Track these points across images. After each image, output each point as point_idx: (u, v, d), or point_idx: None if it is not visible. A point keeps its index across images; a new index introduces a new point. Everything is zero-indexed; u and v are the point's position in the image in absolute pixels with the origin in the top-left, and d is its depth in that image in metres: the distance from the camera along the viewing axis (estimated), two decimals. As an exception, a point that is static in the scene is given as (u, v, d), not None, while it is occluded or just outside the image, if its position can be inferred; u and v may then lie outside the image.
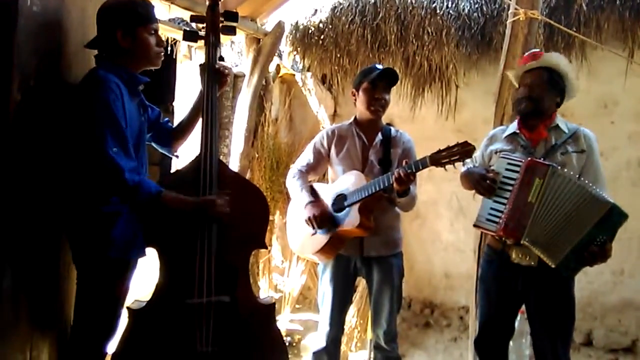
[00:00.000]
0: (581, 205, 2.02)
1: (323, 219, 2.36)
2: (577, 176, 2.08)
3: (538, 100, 2.19)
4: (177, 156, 2.23)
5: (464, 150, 2.08)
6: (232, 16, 2.10)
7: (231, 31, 2.12)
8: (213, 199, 1.87)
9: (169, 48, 4.02)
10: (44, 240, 1.84)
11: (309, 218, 2.36)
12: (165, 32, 3.72)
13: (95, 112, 1.71)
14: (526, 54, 2.33)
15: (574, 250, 2.01)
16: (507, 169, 2.15)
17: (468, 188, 2.33)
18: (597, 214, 2.00)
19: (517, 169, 2.11)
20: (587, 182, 2.06)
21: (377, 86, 2.39)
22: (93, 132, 1.70)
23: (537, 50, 2.32)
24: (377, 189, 2.25)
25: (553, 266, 2.02)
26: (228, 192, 1.92)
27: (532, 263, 2.14)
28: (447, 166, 2.11)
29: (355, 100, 2.49)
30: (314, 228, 2.38)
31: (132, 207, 1.80)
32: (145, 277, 2.17)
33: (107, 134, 1.69)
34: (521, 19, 2.79)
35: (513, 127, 2.31)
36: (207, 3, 2.08)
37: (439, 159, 2.11)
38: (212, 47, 2.04)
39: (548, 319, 2.19)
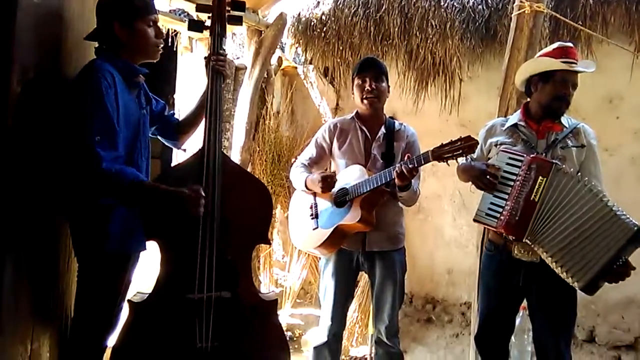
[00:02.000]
0: (601, 222, 1.96)
1: (325, 178, 2.34)
2: (581, 176, 2.05)
3: (569, 104, 2.17)
4: (184, 150, 2.20)
5: (466, 145, 2.06)
6: (239, 5, 2.07)
7: (237, 21, 2.09)
8: (181, 191, 1.77)
9: (170, 40, 3.98)
10: (45, 233, 1.83)
11: (320, 179, 2.34)
12: (166, 24, 3.69)
13: (84, 99, 1.68)
14: (556, 45, 2.23)
15: (603, 271, 1.95)
16: (508, 164, 2.12)
17: (465, 180, 2.30)
18: (623, 236, 1.94)
19: (519, 164, 2.08)
20: (598, 187, 2.02)
21: (365, 78, 2.38)
22: (79, 118, 1.67)
23: (569, 44, 2.22)
24: (379, 183, 2.23)
25: (579, 287, 1.97)
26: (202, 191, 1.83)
27: (534, 259, 2.12)
28: (449, 161, 2.09)
29: (354, 96, 2.49)
30: (317, 211, 2.36)
31: (118, 199, 1.75)
32: (149, 269, 2.16)
33: (92, 122, 1.66)
34: (527, 11, 2.76)
35: (514, 119, 2.28)
36: None
37: (441, 153, 2.09)
38: (218, 37, 2.01)
39: (550, 314, 2.17)
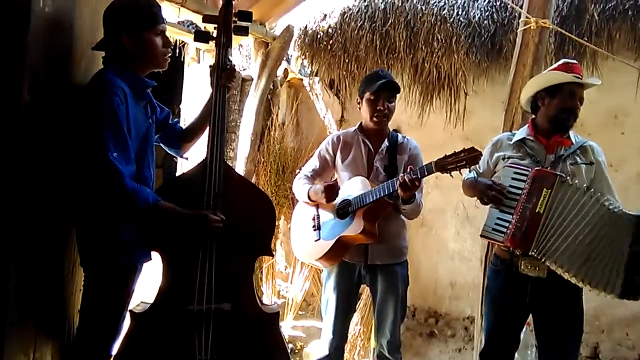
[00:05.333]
0: (607, 227, 1.96)
1: (329, 188, 2.34)
2: (586, 186, 2.05)
3: (577, 117, 2.17)
4: (186, 158, 2.21)
5: (470, 156, 2.06)
6: (246, 16, 2.07)
7: (244, 31, 2.09)
8: (206, 215, 1.84)
9: (177, 51, 4.02)
10: (50, 242, 1.83)
11: (323, 189, 2.34)
12: (174, 35, 3.72)
13: (98, 116, 1.69)
14: (561, 61, 2.26)
15: (630, 272, 1.94)
16: (513, 178, 2.12)
17: (471, 196, 2.31)
18: (627, 233, 1.94)
19: (524, 178, 2.08)
20: (598, 193, 2.02)
21: (379, 97, 2.37)
22: (95, 135, 1.69)
23: (573, 61, 2.25)
24: (382, 194, 2.23)
25: (617, 297, 1.96)
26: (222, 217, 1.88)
27: (542, 274, 2.11)
28: (453, 172, 2.09)
29: (360, 108, 2.48)
30: (319, 222, 2.37)
31: (131, 216, 1.78)
32: (153, 279, 2.16)
33: (108, 138, 1.67)
34: (532, 27, 2.77)
35: (521, 133, 2.28)
36: (221, 2, 2.05)
37: (444, 164, 2.09)
38: (223, 47, 2.02)
39: (556, 331, 2.15)
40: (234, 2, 2.05)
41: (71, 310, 1.95)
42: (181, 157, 2.21)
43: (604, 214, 1.97)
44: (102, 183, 1.70)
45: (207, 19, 2.13)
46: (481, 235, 2.20)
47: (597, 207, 1.98)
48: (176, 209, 1.82)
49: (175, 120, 2.16)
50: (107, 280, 1.80)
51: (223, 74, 1.99)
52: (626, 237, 1.95)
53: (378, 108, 2.38)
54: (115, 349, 1.86)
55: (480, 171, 2.33)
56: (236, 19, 2.05)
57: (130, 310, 1.88)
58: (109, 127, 1.68)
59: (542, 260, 2.03)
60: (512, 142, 2.27)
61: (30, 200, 1.72)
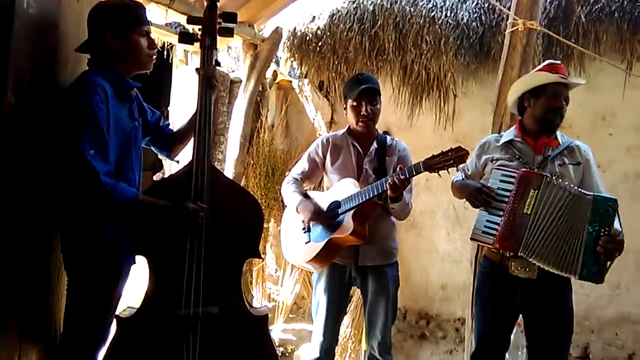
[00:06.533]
0: (572, 209, 2.02)
1: (318, 212, 2.35)
2: (572, 185, 2.06)
3: (563, 117, 2.18)
4: (177, 161, 2.20)
5: (457, 155, 2.07)
6: (231, 17, 2.06)
7: (229, 33, 2.08)
8: (182, 204, 1.80)
9: (165, 52, 3.99)
10: (35, 246, 1.81)
11: (312, 212, 2.35)
12: (162, 37, 3.69)
13: (75, 113, 1.67)
14: (545, 62, 2.27)
15: (585, 254, 1.98)
16: (502, 180, 2.14)
17: (460, 198, 2.32)
18: (586, 210, 2.00)
19: (512, 180, 2.10)
20: (580, 189, 2.05)
21: (362, 102, 2.38)
22: (70, 132, 1.66)
23: (557, 62, 2.27)
24: (371, 195, 2.23)
25: (578, 279, 2.00)
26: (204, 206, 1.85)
27: (532, 276, 2.11)
28: (441, 172, 2.10)
29: (346, 113, 2.48)
30: (310, 224, 2.36)
31: (111, 215, 1.75)
32: (140, 283, 2.14)
33: (84, 136, 1.65)
34: (520, 29, 2.79)
35: (508, 135, 2.29)
36: (205, 4, 2.04)
37: (432, 164, 2.10)
38: (208, 49, 2.00)
39: (546, 332, 2.16)
40: (218, 4, 2.03)
41: (57, 315, 1.92)
42: (171, 159, 2.20)
43: (572, 197, 2.02)
44: (78, 181, 1.68)
45: (191, 20, 2.11)
46: (471, 239, 2.21)
47: (570, 197, 2.02)
48: (157, 203, 1.79)
49: (166, 123, 2.14)
50: (92, 284, 1.77)
51: (208, 76, 1.97)
52: (586, 213, 2.00)
53: (362, 113, 2.38)
54: (101, 355, 1.83)
55: (469, 173, 2.34)
56: (221, 21, 2.04)
57: (117, 316, 1.85)
58: (85, 125, 1.66)
59: (532, 260, 2.04)
60: (499, 144, 2.28)
61: (14, 204, 1.69)
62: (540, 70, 2.26)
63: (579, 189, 2.05)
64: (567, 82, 2.19)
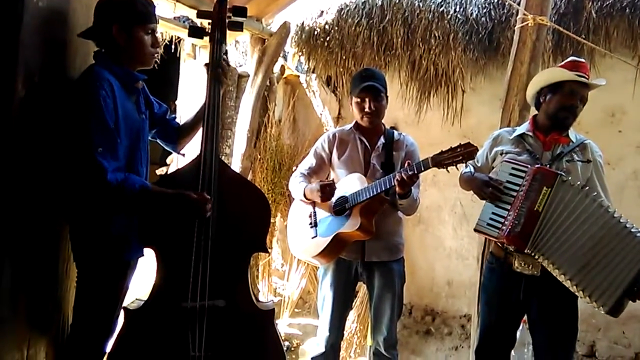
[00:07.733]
0: (617, 240, 1.94)
1: (332, 188, 2.34)
2: (588, 188, 2.03)
3: (577, 116, 2.15)
4: (183, 154, 2.20)
5: (466, 151, 2.06)
6: (241, 11, 2.05)
7: (238, 27, 2.07)
8: (189, 194, 1.80)
9: (173, 47, 4.00)
10: (44, 238, 1.82)
11: (319, 188, 2.33)
12: (170, 31, 3.70)
13: (83, 110, 1.68)
14: (569, 59, 2.22)
15: (626, 292, 1.92)
16: (511, 174, 2.11)
17: (467, 190, 2.31)
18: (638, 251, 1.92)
19: (522, 174, 2.07)
20: (601, 198, 2.01)
21: (365, 99, 2.37)
22: (79, 130, 1.67)
23: (581, 60, 2.21)
24: (379, 190, 2.22)
25: (605, 311, 1.95)
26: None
27: (535, 272, 2.10)
28: (449, 168, 2.10)
29: (352, 108, 2.48)
30: (316, 220, 2.36)
31: (123, 210, 1.77)
32: (148, 275, 2.15)
33: (93, 133, 1.66)
34: (530, 24, 2.76)
35: (521, 129, 2.27)
36: None
37: (441, 160, 2.10)
38: (217, 43, 2.00)
39: (551, 329, 2.15)
40: None
41: (66, 307, 1.94)
42: (177, 153, 2.20)
43: (614, 225, 1.95)
44: (87, 179, 1.68)
45: (201, 14, 2.10)
46: (475, 230, 2.18)
47: (600, 213, 1.96)
48: (164, 192, 1.80)
49: (173, 116, 2.15)
50: (100, 276, 1.79)
51: (217, 70, 1.97)
52: (637, 257, 1.92)
53: (365, 110, 2.38)
54: (108, 347, 1.85)
55: (478, 165, 2.32)
56: (230, 15, 2.04)
57: (124, 307, 1.87)
58: (93, 121, 1.66)
59: (538, 258, 2.02)
60: (512, 137, 2.27)
61: (24, 197, 1.71)
62: (562, 66, 2.22)
63: (633, 228, 1.94)
64: (587, 82, 2.14)
